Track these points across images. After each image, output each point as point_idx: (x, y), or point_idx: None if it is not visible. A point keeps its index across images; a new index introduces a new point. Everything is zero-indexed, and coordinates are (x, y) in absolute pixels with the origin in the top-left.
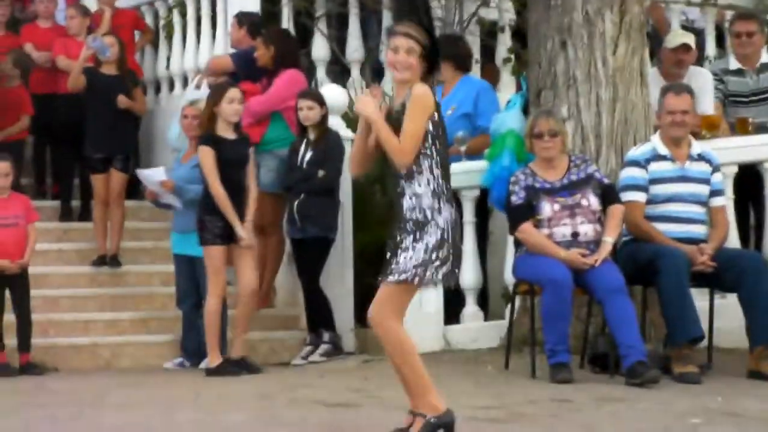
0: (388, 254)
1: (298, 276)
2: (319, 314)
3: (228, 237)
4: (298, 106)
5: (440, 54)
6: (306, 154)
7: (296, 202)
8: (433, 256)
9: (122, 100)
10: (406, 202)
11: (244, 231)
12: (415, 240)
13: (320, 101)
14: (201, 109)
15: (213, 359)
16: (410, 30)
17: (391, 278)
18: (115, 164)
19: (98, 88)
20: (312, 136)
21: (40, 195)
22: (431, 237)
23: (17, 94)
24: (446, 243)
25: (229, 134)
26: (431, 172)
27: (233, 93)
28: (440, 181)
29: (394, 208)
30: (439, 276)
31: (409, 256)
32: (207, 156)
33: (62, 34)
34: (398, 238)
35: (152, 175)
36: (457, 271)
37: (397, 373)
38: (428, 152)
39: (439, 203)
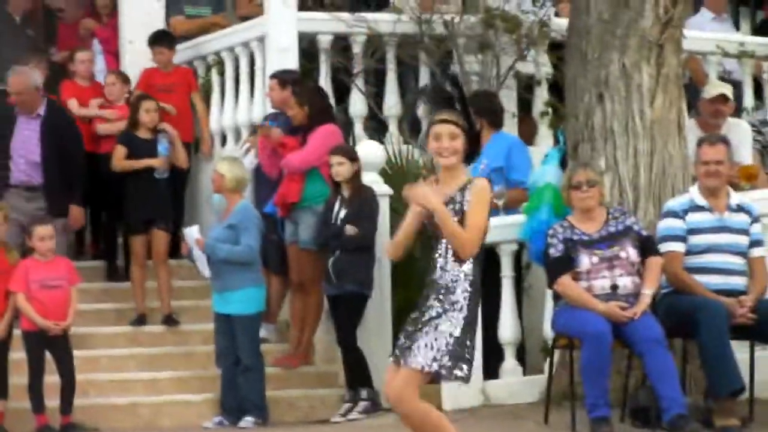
0: (409, 328)
1: (336, 332)
2: (357, 371)
3: None
4: (330, 162)
5: (478, 140)
6: (341, 211)
7: (331, 259)
8: (455, 348)
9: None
10: (442, 280)
11: None
12: (437, 321)
13: (351, 157)
14: (218, 170)
15: None
16: (449, 116)
17: (413, 364)
18: (158, 224)
19: (134, 152)
20: (345, 192)
21: (79, 255)
22: (455, 327)
23: None
24: (467, 338)
25: None
26: (475, 265)
27: None
28: (478, 275)
29: (425, 288)
30: (456, 373)
31: (431, 343)
32: None
33: (100, 92)
34: (423, 315)
35: (190, 233)
36: (467, 369)
37: None
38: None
39: (471, 294)
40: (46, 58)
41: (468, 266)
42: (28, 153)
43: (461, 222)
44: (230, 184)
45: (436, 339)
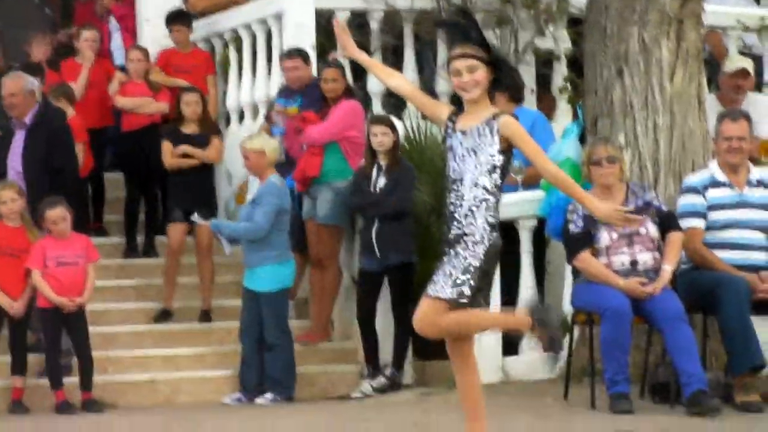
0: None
1: (392, 308)
2: (404, 348)
3: None
4: (371, 131)
5: (500, 61)
6: (379, 180)
7: (374, 230)
8: (473, 279)
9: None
10: (463, 219)
11: None
12: (456, 254)
13: (392, 127)
14: (256, 148)
15: None
16: (465, 49)
17: (431, 292)
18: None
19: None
20: (383, 162)
21: (93, 231)
22: (474, 258)
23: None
24: (483, 269)
25: None
26: (496, 199)
27: None
28: (497, 209)
29: (446, 224)
30: (480, 301)
31: (450, 271)
32: None
33: (106, 68)
34: (444, 254)
35: (196, 219)
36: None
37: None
38: (500, 179)
39: (491, 230)
40: (53, 36)
41: (490, 204)
42: (17, 165)
43: (505, 151)
44: (272, 157)
45: (454, 267)
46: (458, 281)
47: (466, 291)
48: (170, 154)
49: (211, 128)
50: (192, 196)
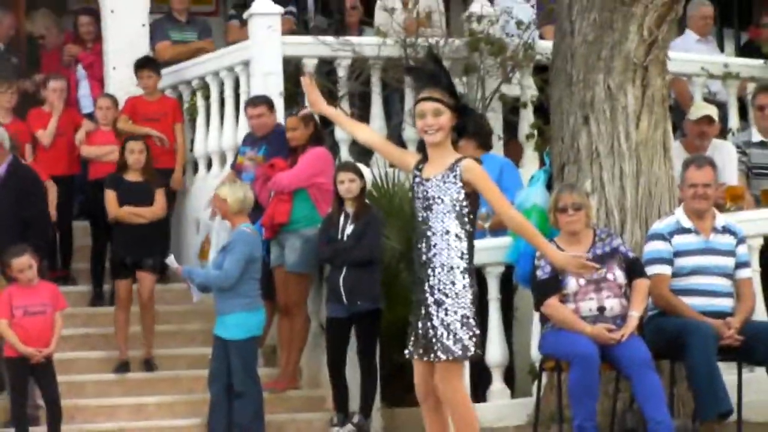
0: (419, 324)
1: (359, 355)
2: (371, 396)
3: None
4: (339, 179)
5: (467, 109)
6: (347, 228)
7: (341, 278)
8: (470, 328)
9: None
10: (439, 269)
11: None
12: (445, 311)
13: (360, 174)
14: (219, 196)
15: None
16: (432, 93)
17: (443, 356)
18: (145, 267)
19: (124, 197)
20: (350, 209)
21: (60, 279)
22: (464, 309)
23: None
24: (474, 316)
25: None
26: (469, 244)
27: None
28: (471, 254)
29: (418, 273)
30: (478, 352)
31: (449, 332)
32: None
33: (72, 116)
34: (427, 308)
35: (170, 262)
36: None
37: None
38: (469, 225)
39: (469, 275)
40: (19, 85)
41: (461, 252)
42: None
43: (470, 196)
44: (234, 207)
45: (450, 324)
46: (459, 337)
47: (470, 344)
48: (115, 205)
49: (155, 178)
50: (140, 249)
